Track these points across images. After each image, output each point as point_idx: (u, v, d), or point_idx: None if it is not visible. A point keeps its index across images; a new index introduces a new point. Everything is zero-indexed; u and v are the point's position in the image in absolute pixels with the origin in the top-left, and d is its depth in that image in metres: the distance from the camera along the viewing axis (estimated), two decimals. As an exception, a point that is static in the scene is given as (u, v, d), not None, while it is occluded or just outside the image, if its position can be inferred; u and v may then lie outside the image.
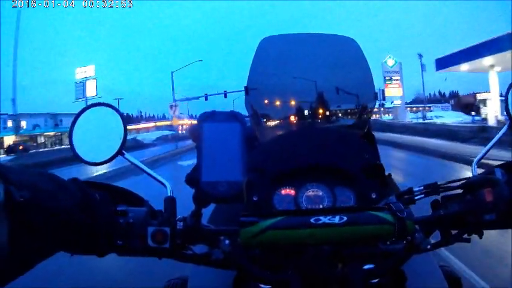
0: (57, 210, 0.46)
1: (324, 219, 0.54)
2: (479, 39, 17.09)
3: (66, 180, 0.52)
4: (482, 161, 0.70)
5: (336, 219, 0.54)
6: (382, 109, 43.09)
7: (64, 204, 0.47)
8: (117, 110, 0.64)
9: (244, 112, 0.81)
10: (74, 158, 0.63)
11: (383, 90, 33.64)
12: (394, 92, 35.31)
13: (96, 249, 0.55)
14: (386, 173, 0.84)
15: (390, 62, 34.80)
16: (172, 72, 29.98)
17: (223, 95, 29.66)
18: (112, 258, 0.62)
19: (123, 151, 0.63)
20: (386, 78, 34.83)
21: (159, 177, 0.64)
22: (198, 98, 31.35)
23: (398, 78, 35.14)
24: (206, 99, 30.39)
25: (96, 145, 0.63)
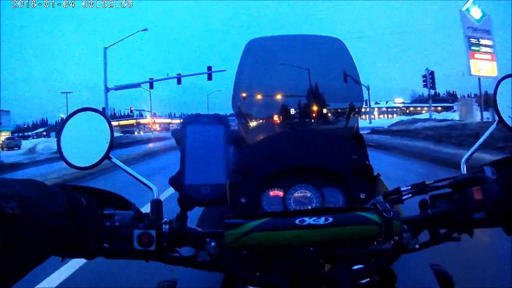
0: (45, 219, 0.49)
1: (309, 221, 0.57)
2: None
3: (52, 186, 0.55)
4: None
5: (321, 221, 0.57)
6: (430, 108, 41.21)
7: (52, 211, 0.51)
8: (103, 115, 0.69)
9: (222, 112, 0.88)
10: (63, 162, 0.68)
11: (470, 64, 20.23)
12: (484, 68, 20.52)
13: (84, 252, 0.58)
14: (375, 173, 0.91)
15: (475, 13, 20.70)
16: (105, 48, 23.80)
17: (176, 80, 25.40)
18: (102, 262, 0.67)
19: (110, 155, 0.68)
20: (472, 40, 20.52)
21: (145, 181, 0.68)
22: (138, 85, 26.92)
23: (491, 44, 20.88)
24: (151, 86, 26.90)
25: (83, 149, 0.68)
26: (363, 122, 48.27)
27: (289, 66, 1.19)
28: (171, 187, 0.67)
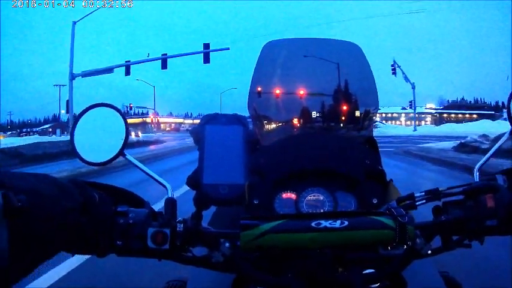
0: (57, 213, 0.52)
1: (324, 223, 0.60)
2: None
3: (66, 182, 0.58)
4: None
5: (337, 224, 0.60)
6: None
7: (64, 206, 0.53)
8: (118, 111, 0.73)
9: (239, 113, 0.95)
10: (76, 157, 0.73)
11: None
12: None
13: (96, 249, 0.61)
14: (388, 179, 0.96)
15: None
16: (73, 23, 20.97)
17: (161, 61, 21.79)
18: (111, 259, 0.71)
19: (125, 152, 0.71)
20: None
21: (159, 179, 0.72)
22: (111, 69, 22.99)
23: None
24: (128, 72, 22.72)
25: (97, 145, 0.72)
26: (402, 129, 44.75)
27: (305, 69, 1.30)
28: (187, 186, 0.72)
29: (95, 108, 0.73)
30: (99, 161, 0.71)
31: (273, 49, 1.35)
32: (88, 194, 0.59)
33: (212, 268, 0.67)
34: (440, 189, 0.71)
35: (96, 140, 0.72)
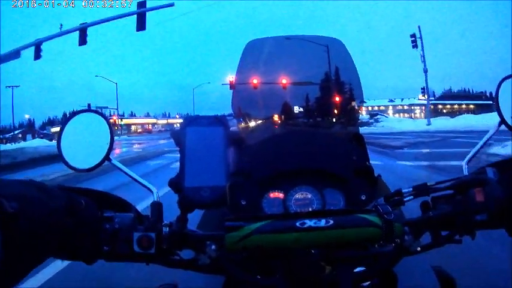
0: (45, 217, 0.55)
1: (309, 223, 0.63)
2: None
3: (51, 186, 0.61)
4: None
5: (322, 223, 0.63)
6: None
7: (51, 209, 0.56)
8: (103, 116, 0.77)
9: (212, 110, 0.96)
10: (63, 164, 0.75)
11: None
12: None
13: (83, 255, 0.64)
14: (376, 175, 1.02)
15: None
16: None
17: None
18: (103, 265, 0.73)
19: (110, 157, 0.75)
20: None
21: (145, 183, 0.75)
22: (17, 53, 19.26)
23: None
24: (37, 55, 18.90)
25: (83, 151, 0.75)
26: (410, 123, 38.83)
27: (288, 66, 1.40)
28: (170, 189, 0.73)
29: (80, 114, 0.77)
30: (86, 167, 0.74)
31: (255, 47, 1.43)
32: (74, 199, 0.62)
33: (199, 271, 0.71)
34: (428, 184, 0.74)
35: (82, 146, 0.75)
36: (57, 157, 0.76)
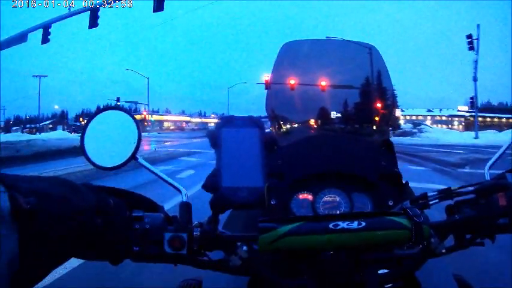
0: (69, 215, 0.54)
1: (342, 225, 0.65)
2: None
3: (79, 184, 0.61)
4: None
5: (354, 225, 0.65)
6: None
7: (77, 207, 0.56)
8: (130, 114, 0.77)
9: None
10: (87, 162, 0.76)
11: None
12: None
13: (110, 255, 0.65)
14: (404, 181, 1.04)
15: None
16: None
17: None
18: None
19: (137, 156, 0.76)
20: None
21: (174, 183, 0.77)
22: (24, 36, 18.39)
23: None
24: (46, 39, 18.24)
25: (108, 149, 0.76)
26: (458, 136, 35.62)
27: (323, 70, 1.45)
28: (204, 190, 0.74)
29: (105, 112, 0.78)
30: (110, 165, 0.75)
31: (291, 50, 1.48)
32: (102, 198, 0.62)
33: (229, 272, 0.72)
34: (452, 188, 0.76)
35: (107, 144, 0.76)
36: (62, 152, 0.78)
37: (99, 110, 0.79)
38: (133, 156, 0.75)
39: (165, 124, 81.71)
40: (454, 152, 17.02)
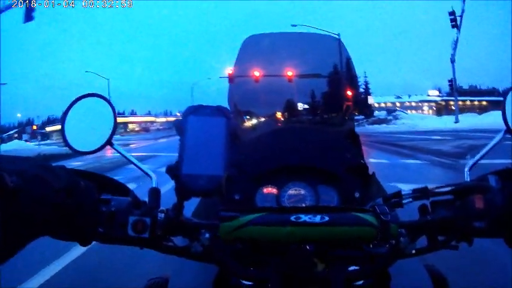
0: (45, 194, 0.57)
1: (304, 218, 0.66)
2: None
3: (56, 167, 0.64)
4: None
5: (317, 219, 0.65)
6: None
7: (54, 187, 0.59)
8: (108, 101, 0.80)
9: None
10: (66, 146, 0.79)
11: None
12: None
13: (79, 235, 0.67)
14: (370, 172, 1.07)
15: None
16: None
17: None
18: (94, 257, 0.85)
19: (112, 141, 0.78)
20: None
21: (145, 168, 0.80)
22: None
23: None
24: (29, 17, 17.42)
25: (86, 134, 0.79)
26: (437, 121, 34.84)
27: (285, 63, 1.46)
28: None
29: (85, 99, 0.80)
30: (87, 150, 0.79)
31: (254, 43, 1.48)
32: (73, 179, 0.65)
33: (192, 258, 0.73)
34: (429, 187, 0.75)
35: (86, 130, 0.79)
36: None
37: (79, 98, 0.80)
38: (109, 142, 0.78)
39: (130, 126, 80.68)
40: (442, 139, 16.34)
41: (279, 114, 1.48)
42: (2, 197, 0.49)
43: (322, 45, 1.60)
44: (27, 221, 0.55)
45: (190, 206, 0.83)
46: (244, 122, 1.46)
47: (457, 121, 31.14)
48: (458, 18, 30.06)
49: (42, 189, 0.57)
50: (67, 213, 0.62)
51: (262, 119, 1.49)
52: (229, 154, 0.72)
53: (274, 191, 1.03)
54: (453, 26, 30.31)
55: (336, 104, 1.49)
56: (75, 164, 11.55)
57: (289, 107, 1.46)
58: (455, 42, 31.76)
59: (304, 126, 1.46)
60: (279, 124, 1.45)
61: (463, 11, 30.13)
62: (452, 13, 30.23)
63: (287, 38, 1.65)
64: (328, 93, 1.47)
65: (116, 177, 0.81)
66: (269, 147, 1.12)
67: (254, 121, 1.47)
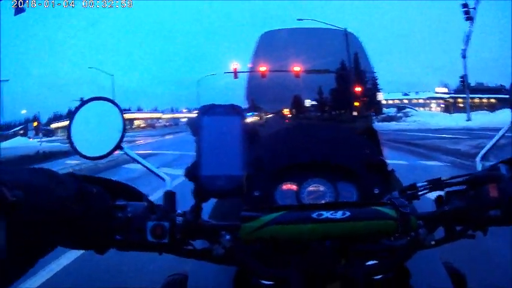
0: (53, 205, 0.56)
1: (326, 214, 0.66)
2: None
3: (62, 174, 0.62)
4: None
5: (339, 214, 0.66)
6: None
7: (59, 196, 0.58)
8: (116, 104, 0.78)
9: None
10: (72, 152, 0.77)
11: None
12: None
13: (94, 244, 0.66)
14: (390, 169, 1.05)
15: None
16: None
17: None
18: (112, 255, 0.75)
19: (122, 145, 0.76)
20: None
21: (158, 171, 0.78)
22: None
23: None
24: (19, 10, 17.42)
25: (94, 139, 0.77)
26: (448, 119, 34.30)
27: (302, 59, 1.47)
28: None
29: (91, 102, 0.79)
30: (97, 155, 0.77)
31: (270, 39, 1.53)
32: (84, 186, 0.64)
33: (213, 261, 0.72)
34: (442, 179, 0.76)
35: (94, 134, 0.78)
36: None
37: (85, 101, 0.80)
38: (118, 146, 0.76)
39: (136, 122, 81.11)
40: (457, 137, 15.95)
41: (299, 109, 1.49)
42: (5, 211, 0.48)
43: (340, 40, 1.61)
44: (36, 234, 0.54)
45: (206, 208, 0.80)
46: (262, 116, 1.46)
47: (469, 119, 30.49)
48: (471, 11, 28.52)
49: (46, 200, 0.56)
50: (77, 221, 0.61)
51: (281, 114, 1.49)
52: (247, 152, 0.71)
53: (293, 187, 1.03)
54: (467, 19, 29.24)
55: (350, 100, 1.50)
56: (73, 162, 11.79)
57: (304, 104, 1.47)
58: (468, 36, 30.59)
59: (324, 122, 1.45)
60: (297, 119, 1.46)
61: (477, 2, 28.96)
62: (465, 5, 29.20)
63: (301, 34, 1.66)
64: (340, 90, 1.48)
65: (112, 178, 0.79)
66: (287, 143, 1.12)
67: (272, 116, 1.48)
